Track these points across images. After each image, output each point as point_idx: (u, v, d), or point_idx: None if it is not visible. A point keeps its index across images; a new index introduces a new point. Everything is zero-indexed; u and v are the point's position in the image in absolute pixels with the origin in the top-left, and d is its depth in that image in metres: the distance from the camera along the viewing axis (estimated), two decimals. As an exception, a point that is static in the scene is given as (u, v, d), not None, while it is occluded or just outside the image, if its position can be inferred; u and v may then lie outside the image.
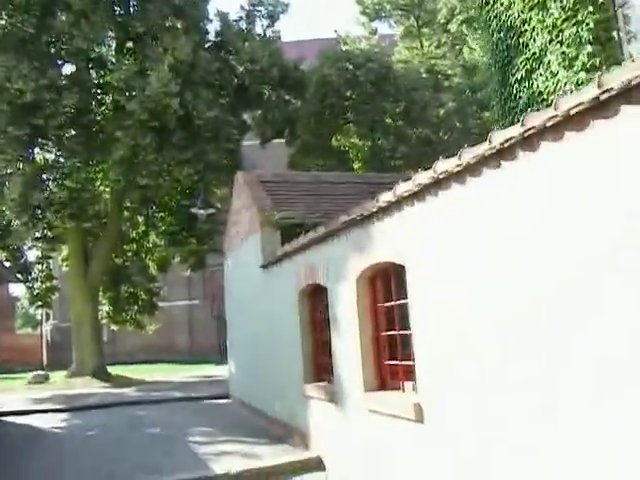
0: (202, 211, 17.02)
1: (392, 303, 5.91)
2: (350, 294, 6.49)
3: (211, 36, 22.29)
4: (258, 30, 22.69)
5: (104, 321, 24.04)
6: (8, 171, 16.49)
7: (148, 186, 16.71)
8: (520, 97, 8.30)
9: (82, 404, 12.78)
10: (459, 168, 4.38)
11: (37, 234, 17.50)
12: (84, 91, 17.46)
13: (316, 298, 8.16)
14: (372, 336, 6.30)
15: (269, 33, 22.65)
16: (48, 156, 17.87)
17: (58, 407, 12.50)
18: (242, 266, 11.69)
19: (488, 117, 19.26)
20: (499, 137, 3.79)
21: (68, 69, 19.63)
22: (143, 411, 11.82)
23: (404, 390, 5.77)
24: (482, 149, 4.00)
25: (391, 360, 6.01)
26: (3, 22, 17.14)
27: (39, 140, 16.83)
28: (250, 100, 22.00)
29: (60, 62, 19.08)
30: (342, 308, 6.76)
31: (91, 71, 19.48)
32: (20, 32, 16.76)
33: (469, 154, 4.20)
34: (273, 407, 9.54)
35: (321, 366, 8.08)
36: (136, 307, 24.32)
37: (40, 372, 19.82)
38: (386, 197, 5.62)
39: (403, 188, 5.25)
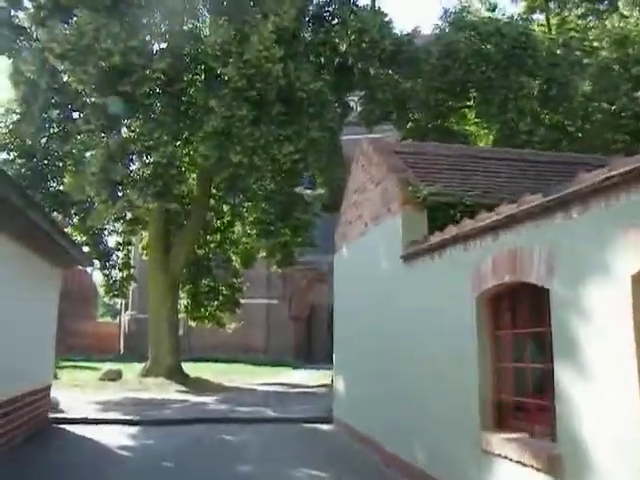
0: (309, 191, 14.50)
1: None
2: (617, 300, 3.75)
3: (312, 6, 19.99)
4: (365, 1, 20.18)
5: (181, 315, 22.22)
6: (91, 143, 14.72)
7: (241, 164, 14.47)
8: None
9: (158, 417, 10.59)
10: None
11: (117, 215, 15.61)
12: (175, 57, 15.51)
13: (510, 305, 5.45)
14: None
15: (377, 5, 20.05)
16: (133, 128, 15.99)
17: (130, 418, 10.36)
18: (365, 259, 9.12)
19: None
20: None
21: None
22: (230, 434, 9.44)
23: None
24: None
25: None
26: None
27: (125, 110, 14.97)
28: (354, 81, 19.47)
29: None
30: (590, 322, 4.03)
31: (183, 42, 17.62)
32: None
33: None
34: (413, 452, 6.87)
35: (510, 408, 5.37)
36: (216, 303, 22.38)
37: (113, 368, 18.10)
38: None
39: None
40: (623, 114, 15.94)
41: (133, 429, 9.68)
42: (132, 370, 19.29)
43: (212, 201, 21.01)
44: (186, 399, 13.63)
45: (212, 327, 23.98)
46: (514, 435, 5.05)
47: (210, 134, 13.96)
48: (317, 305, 38.78)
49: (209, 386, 16.94)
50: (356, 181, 9.98)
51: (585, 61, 17.42)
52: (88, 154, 14.91)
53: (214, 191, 20.60)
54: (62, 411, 10.70)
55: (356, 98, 20.97)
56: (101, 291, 25.50)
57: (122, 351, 39.22)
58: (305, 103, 15.66)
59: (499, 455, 5.08)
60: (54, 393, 10.63)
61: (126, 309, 41.92)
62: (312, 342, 38.29)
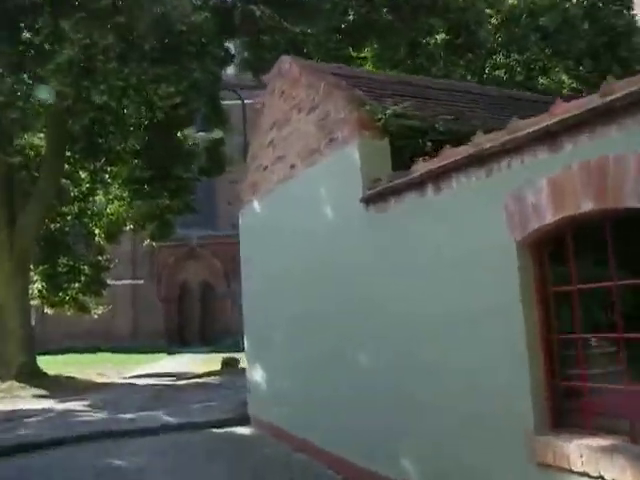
0: (202, 133, 11.79)
1: None
2: None
3: None
4: None
5: (35, 302, 18.52)
6: None
7: (107, 107, 11.49)
8: None
9: (8, 442, 7.63)
10: None
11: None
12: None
13: (578, 249, 3.66)
14: None
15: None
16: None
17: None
18: (294, 211, 6.98)
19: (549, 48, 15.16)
20: None
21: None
22: (119, 457, 6.87)
23: None
24: None
25: None
26: None
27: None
28: (234, 26, 16.85)
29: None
30: None
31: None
32: None
33: None
34: (400, 464, 4.95)
35: (581, 400, 3.63)
36: (77, 285, 18.95)
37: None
38: None
39: None
40: (532, 66, 15.21)
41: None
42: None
43: (67, 166, 17.54)
44: (48, 407, 10.57)
45: (70, 314, 20.52)
46: (606, 441, 3.32)
47: (64, 66, 10.80)
48: (188, 284, 36.40)
49: (75, 385, 13.87)
50: (272, 113, 7.75)
51: (487, 11, 16.41)
52: None
53: (69, 153, 17.13)
54: None
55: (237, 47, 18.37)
56: None
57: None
58: (184, 39, 12.93)
59: (580, 473, 3.33)
60: None
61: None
62: (185, 324, 35.82)
